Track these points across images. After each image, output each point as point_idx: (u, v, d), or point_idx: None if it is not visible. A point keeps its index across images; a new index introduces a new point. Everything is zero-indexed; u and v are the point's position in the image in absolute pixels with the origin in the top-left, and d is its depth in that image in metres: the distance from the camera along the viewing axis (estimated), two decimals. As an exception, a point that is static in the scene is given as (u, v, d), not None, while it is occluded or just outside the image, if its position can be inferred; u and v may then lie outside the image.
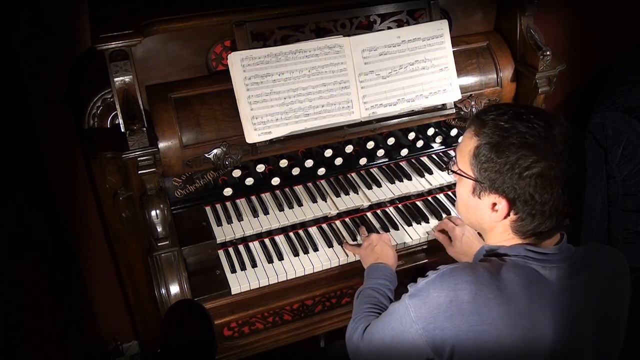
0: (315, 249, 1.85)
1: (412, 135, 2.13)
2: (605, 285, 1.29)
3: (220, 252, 1.84)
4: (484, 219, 1.29)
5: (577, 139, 1.22)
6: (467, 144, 1.27)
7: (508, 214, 1.24)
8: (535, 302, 1.20)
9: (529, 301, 1.20)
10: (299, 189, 2.03)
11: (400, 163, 2.16)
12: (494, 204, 1.25)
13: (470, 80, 2.06)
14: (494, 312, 1.18)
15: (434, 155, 2.20)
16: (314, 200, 1.97)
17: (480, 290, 1.19)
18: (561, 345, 1.22)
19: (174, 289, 1.67)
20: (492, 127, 1.22)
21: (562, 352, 1.23)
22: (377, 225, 1.94)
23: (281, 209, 1.94)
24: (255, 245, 1.87)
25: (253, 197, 1.99)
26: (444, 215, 1.96)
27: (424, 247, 1.92)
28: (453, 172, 1.35)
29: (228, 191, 1.94)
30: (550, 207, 1.19)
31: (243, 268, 1.78)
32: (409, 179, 2.08)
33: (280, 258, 1.83)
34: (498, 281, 1.20)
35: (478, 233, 1.72)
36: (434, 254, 1.90)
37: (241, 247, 1.86)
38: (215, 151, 1.80)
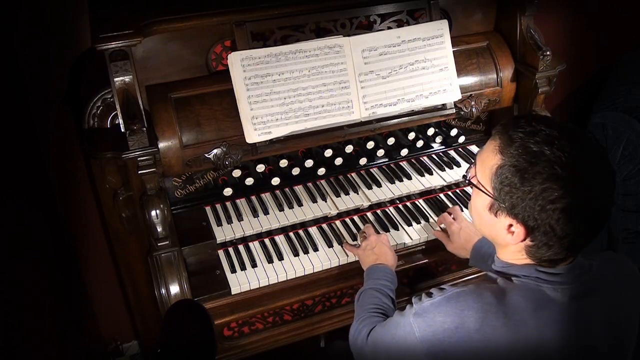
0: (315, 249, 1.86)
1: (412, 135, 2.13)
2: (618, 302, 1.25)
3: (220, 252, 1.84)
4: (499, 236, 1.24)
5: (607, 169, 1.16)
6: (490, 158, 1.20)
7: (524, 239, 1.19)
8: (545, 327, 1.17)
9: (537, 328, 1.17)
10: (299, 189, 2.03)
11: (401, 163, 2.16)
12: (510, 226, 1.19)
13: (470, 80, 2.06)
14: (502, 340, 1.15)
15: (434, 155, 2.21)
16: (314, 200, 1.97)
17: (487, 318, 1.16)
18: None
19: (174, 289, 1.67)
20: (519, 148, 1.14)
21: None
22: (377, 226, 1.94)
23: (281, 209, 1.94)
24: (255, 245, 1.87)
25: (253, 197, 1.99)
26: (444, 215, 1.96)
27: (424, 247, 1.92)
28: (470, 182, 1.29)
29: (228, 191, 1.94)
30: (569, 240, 1.14)
31: (243, 268, 1.78)
32: (409, 178, 2.08)
33: (280, 258, 1.83)
34: (506, 307, 1.17)
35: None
36: (434, 254, 1.90)
37: (241, 247, 1.86)
38: (215, 151, 1.79)
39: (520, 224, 1.16)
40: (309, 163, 1.99)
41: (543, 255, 1.19)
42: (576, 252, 1.20)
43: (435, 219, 1.96)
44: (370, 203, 1.99)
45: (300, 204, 1.96)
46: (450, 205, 2.02)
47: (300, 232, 1.93)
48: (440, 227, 1.88)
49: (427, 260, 1.90)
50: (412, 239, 1.89)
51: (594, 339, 1.21)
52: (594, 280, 1.23)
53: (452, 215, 1.84)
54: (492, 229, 1.25)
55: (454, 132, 2.21)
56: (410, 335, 1.24)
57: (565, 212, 1.11)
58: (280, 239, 1.90)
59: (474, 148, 2.26)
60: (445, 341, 1.18)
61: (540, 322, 1.17)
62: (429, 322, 1.21)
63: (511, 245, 1.22)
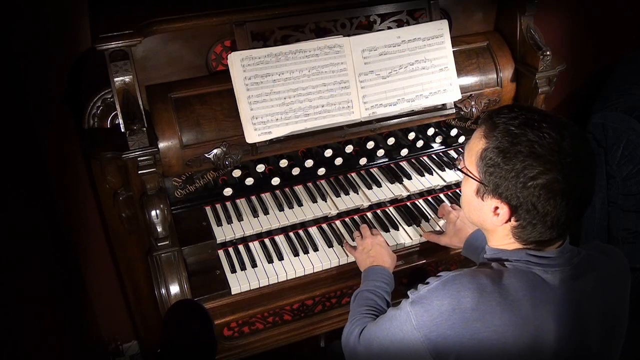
0: (315, 249, 1.86)
1: (412, 135, 2.13)
2: (608, 286, 1.29)
3: (220, 252, 1.84)
4: (486, 221, 1.29)
5: (588, 152, 1.21)
6: (476, 144, 1.26)
7: (509, 220, 1.23)
8: (539, 307, 1.20)
9: (532, 307, 1.19)
10: (299, 189, 2.03)
11: (401, 163, 2.16)
12: (496, 208, 1.24)
13: (470, 80, 2.06)
14: (498, 318, 1.18)
15: (434, 155, 2.21)
16: (314, 200, 1.97)
17: (483, 297, 1.19)
18: (565, 349, 1.21)
19: (174, 289, 1.67)
20: (502, 131, 1.20)
21: (565, 356, 1.22)
22: (377, 226, 1.95)
23: (281, 209, 1.94)
24: (255, 245, 1.88)
25: (253, 197, 1.99)
26: (444, 215, 1.96)
27: (424, 247, 1.92)
28: (459, 169, 1.35)
29: (228, 191, 1.94)
30: (552, 218, 1.18)
31: (243, 268, 1.78)
32: (409, 178, 2.08)
33: (280, 258, 1.83)
34: (500, 288, 1.20)
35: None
36: (433, 254, 1.90)
37: (241, 247, 1.86)
38: (215, 151, 1.80)
39: (505, 203, 1.21)
40: (309, 163, 1.99)
41: (529, 236, 1.23)
42: (561, 234, 1.23)
43: (436, 219, 1.96)
44: (370, 203, 1.99)
45: (300, 204, 1.96)
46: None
47: (300, 232, 1.93)
48: (433, 230, 1.91)
49: (426, 261, 1.90)
50: (412, 239, 1.89)
51: (587, 321, 1.24)
52: (584, 264, 1.27)
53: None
54: (480, 214, 1.29)
55: (454, 132, 2.21)
56: (406, 325, 1.25)
57: (545, 188, 1.15)
58: (280, 239, 1.90)
59: (474, 148, 2.26)
60: (442, 324, 1.20)
61: (534, 302, 1.20)
62: (426, 307, 1.22)
63: (498, 228, 1.27)
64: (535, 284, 1.21)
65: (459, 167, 1.35)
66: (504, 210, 1.22)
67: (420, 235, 1.90)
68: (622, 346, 1.33)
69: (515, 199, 1.19)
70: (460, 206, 1.92)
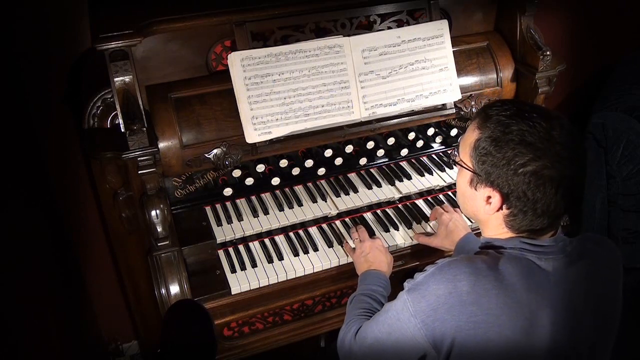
0: (315, 249, 1.86)
1: (412, 135, 2.13)
2: (601, 275, 1.30)
3: (220, 252, 1.84)
4: (479, 211, 1.31)
5: (578, 142, 1.23)
6: (470, 135, 1.29)
7: (501, 208, 1.26)
8: (533, 292, 1.22)
9: (527, 292, 1.21)
10: (299, 189, 2.03)
11: (400, 163, 2.16)
12: (489, 197, 1.27)
13: (470, 80, 2.06)
14: (493, 302, 1.19)
15: (434, 155, 2.21)
16: (314, 200, 1.97)
17: (479, 281, 1.20)
18: (560, 335, 1.23)
19: (174, 289, 1.67)
20: (494, 122, 1.23)
21: (561, 343, 1.23)
22: (377, 226, 1.95)
23: (281, 209, 1.94)
24: (255, 245, 1.88)
25: (253, 197, 1.99)
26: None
27: (423, 247, 1.91)
28: (454, 162, 1.38)
29: (228, 191, 1.94)
30: (542, 205, 1.20)
31: (243, 268, 1.79)
32: (409, 178, 2.08)
33: (280, 258, 1.83)
34: (496, 272, 1.22)
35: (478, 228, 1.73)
36: (433, 254, 1.90)
37: (241, 247, 1.86)
38: (215, 151, 1.80)
39: (496, 191, 1.24)
40: (309, 163, 1.99)
41: (521, 225, 1.25)
42: (552, 223, 1.25)
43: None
44: (370, 203, 1.99)
45: (300, 204, 1.96)
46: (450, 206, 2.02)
47: (300, 232, 1.93)
48: (425, 231, 1.91)
49: (426, 260, 1.90)
50: (411, 240, 1.89)
51: (580, 309, 1.26)
52: (577, 252, 1.29)
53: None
54: (474, 203, 1.32)
55: (454, 132, 2.21)
56: (403, 313, 1.26)
57: (535, 175, 1.18)
58: (280, 239, 1.90)
59: (474, 148, 2.26)
60: (439, 309, 1.21)
61: (529, 286, 1.22)
62: (422, 293, 1.24)
63: (491, 217, 1.29)
64: (529, 269, 1.23)
65: (454, 160, 1.38)
66: (496, 198, 1.25)
67: (420, 235, 1.90)
68: (622, 346, 1.33)
69: (506, 187, 1.22)
70: (454, 208, 1.94)
